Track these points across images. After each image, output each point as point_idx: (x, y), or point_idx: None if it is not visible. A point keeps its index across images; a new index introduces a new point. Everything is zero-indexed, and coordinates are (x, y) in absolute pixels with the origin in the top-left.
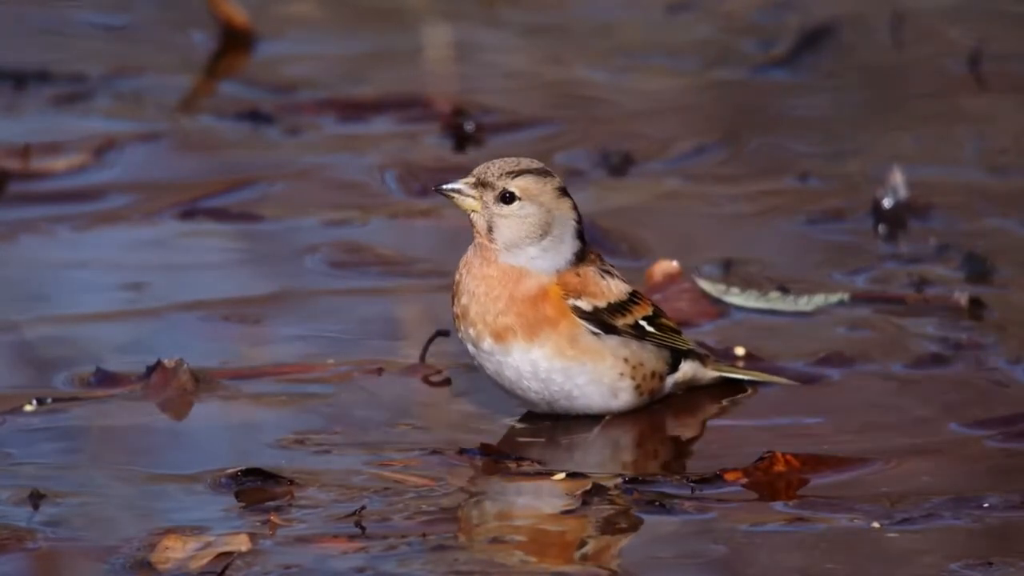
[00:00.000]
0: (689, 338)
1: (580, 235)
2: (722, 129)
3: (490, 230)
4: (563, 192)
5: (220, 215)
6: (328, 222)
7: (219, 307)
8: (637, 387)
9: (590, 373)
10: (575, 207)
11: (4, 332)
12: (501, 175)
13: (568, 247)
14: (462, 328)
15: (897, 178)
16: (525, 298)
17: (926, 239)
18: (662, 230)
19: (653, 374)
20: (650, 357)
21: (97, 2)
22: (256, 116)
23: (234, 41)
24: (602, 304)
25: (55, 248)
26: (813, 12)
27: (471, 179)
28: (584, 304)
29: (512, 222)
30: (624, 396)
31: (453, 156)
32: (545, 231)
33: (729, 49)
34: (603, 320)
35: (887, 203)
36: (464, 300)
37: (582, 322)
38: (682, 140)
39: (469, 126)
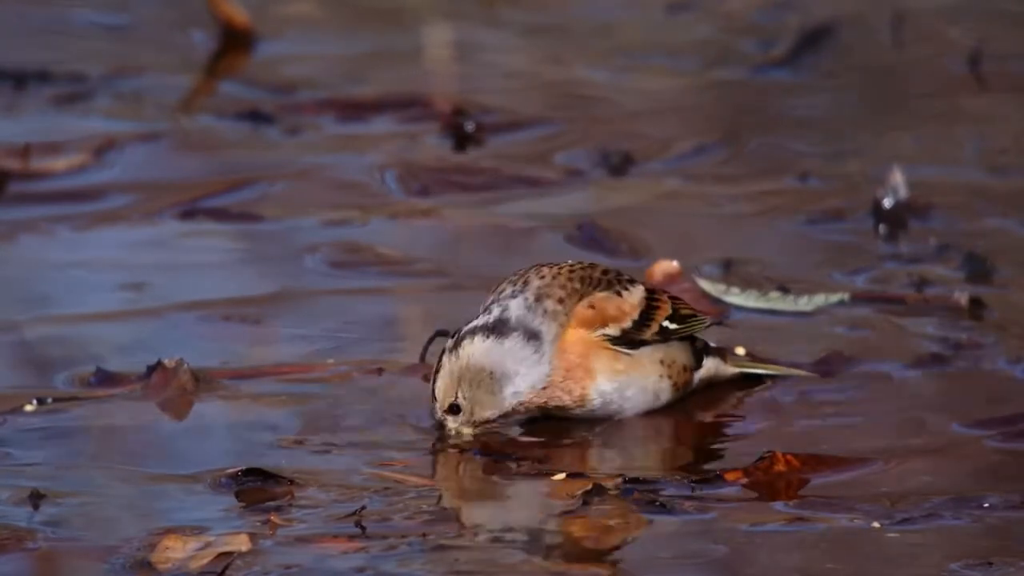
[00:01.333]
0: (705, 315)
1: (527, 332)
2: (722, 129)
3: (486, 421)
4: (465, 342)
5: (220, 215)
6: (328, 222)
7: (219, 307)
8: (674, 384)
9: (637, 384)
10: (470, 337)
11: (4, 332)
12: (440, 411)
13: (531, 350)
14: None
15: (897, 178)
16: (560, 362)
17: (926, 239)
18: (662, 230)
19: (684, 368)
20: (679, 352)
21: (97, 2)
22: (256, 116)
23: (234, 41)
24: (628, 324)
25: (55, 248)
26: (813, 12)
27: (445, 420)
28: (611, 331)
29: (481, 406)
30: (664, 396)
31: (453, 156)
32: (499, 384)
33: (729, 49)
34: (632, 339)
35: (887, 203)
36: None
37: (615, 348)
38: (682, 140)
39: (469, 126)
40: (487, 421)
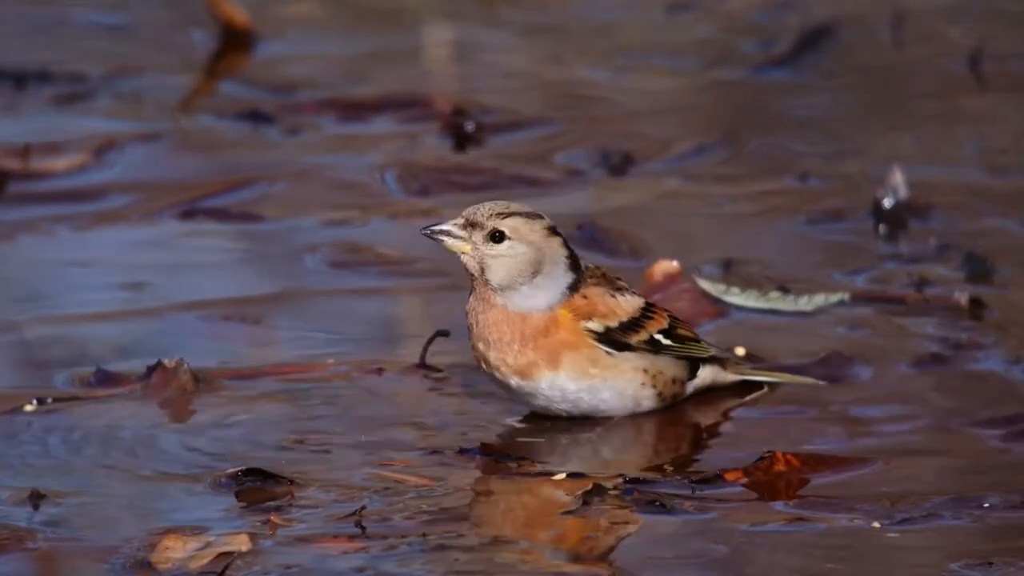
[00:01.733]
0: (709, 344)
1: (574, 266)
2: (722, 129)
3: (482, 271)
4: (552, 231)
5: (220, 215)
6: (328, 222)
7: (219, 307)
8: (659, 394)
9: (612, 388)
10: (565, 243)
11: (4, 332)
12: (491, 216)
13: (561, 282)
14: (485, 370)
15: (897, 178)
16: (537, 332)
17: (926, 239)
18: (662, 230)
19: (674, 380)
20: (669, 365)
21: (97, 2)
22: (256, 116)
23: (234, 41)
24: (613, 324)
25: (55, 248)
26: (813, 12)
27: (460, 220)
28: (595, 325)
29: (503, 262)
30: (647, 403)
31: (453, 156)
32: (536, 269)
33: (729, 49)
34: (616, 339)
35: (887, 203)
36: (480, 347)
37: (596, 343)
38: (682, 140)
39: (469, 126)
40: (483, 269)
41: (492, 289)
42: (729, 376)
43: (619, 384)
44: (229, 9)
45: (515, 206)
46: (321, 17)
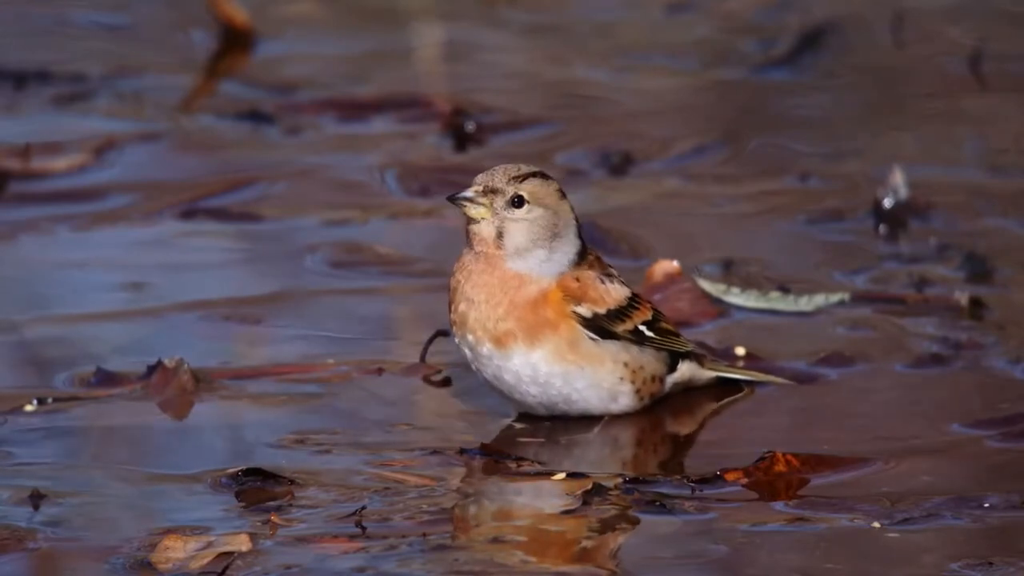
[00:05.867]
0: (688, 339)
1: (580, 234)
2: (722, 129)
3: (499, 235)
4: (563, 194)
5: (220, 215)
6: (328, 222)
7: (219, 307)
8: (637, 391)
9: (589, 378)
10: (573, 208)
11: (4, 332)
12: (509, 180)
13: (572, 248)
14: (459, 334)
15: (897, 178)
16: (526, 303)
17: (926, 239)
18: (662, 230)
19: (653, 378)
20: (650, 361)
21: (97, 2)
22: (256, 116)
23: (234, 41)
24: (602, 311)
25: (55, 248)
26: (813, 12)
27: (479, 187)
28: (584, 310)
29: (523, 226)
30: (624, 400)
31: (453, 156)
32: (555, 233)
33: (729, 49)
34: (602, 327)
35: (887, 203)
36: (462, 307)
37: (581, 328)
38: (682, 140)
39: (469, 126)
40: (499, 235)
41: (506, 255)
42: (707, 373)
43: (596, 375)
44: (229, 9)
45: (526, 167)
46: (321, 17)
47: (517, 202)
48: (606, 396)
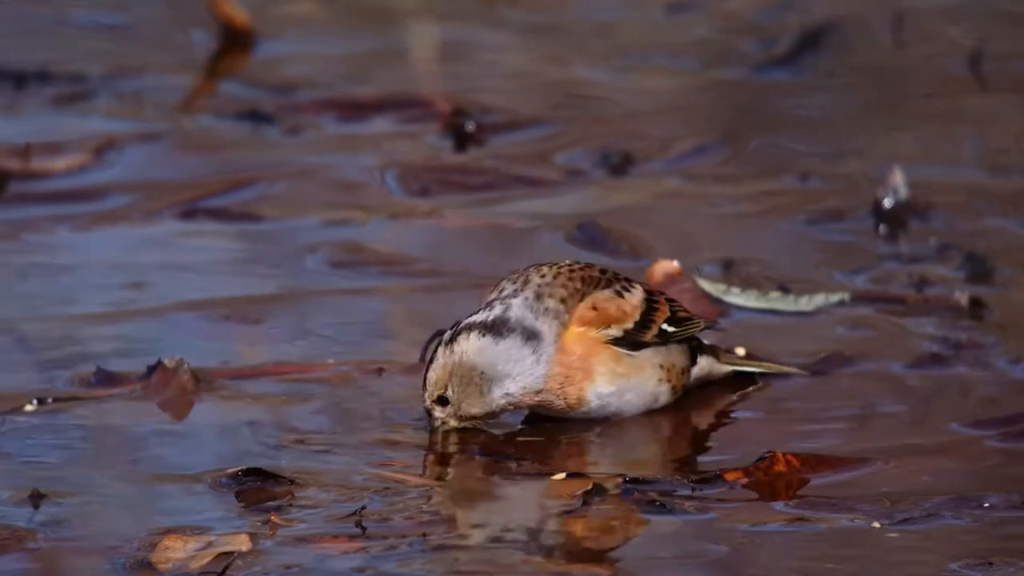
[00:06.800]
0: (700, 319)
1: (524, 332)
2: (722, 129)
3: (472, 417)
4: (461, 338)
5: (220, 215)
6: (328, 222)
7: (219, 307)
8: (672, 387)
9: (636, 388)
10: (482, 331)
11: (4, 332)
12: (428, 400)
13: (528, 350)
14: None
15: (897, 178)
16: (559, 363)
17: (926, 239)
18: (662, 230)
19: (683, 371)
20: (678, 356)
21: (97, 2)
22: (256, 116)
23: (234, 41)
24: (630, 325)
25: (55, 248)
26: (813, 12)
27: (432, 409)
28: (614, 331)
29: (469, 403)
30: (663, 398)
31: (453, 156)
32: (493, 375)
33: (729, 49)
34: (635, 340)
35: (887, 203)
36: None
37: (617, 348)
38: (682, 140)
39: (469, 126)
40: (473, 417)
41: (494, 408)
42: (724, 367)
43: (641, 384)
44: (229, 9)
45: (430, 375)
46: (321, 17)
47: (443, 401)
48: (650, 399)
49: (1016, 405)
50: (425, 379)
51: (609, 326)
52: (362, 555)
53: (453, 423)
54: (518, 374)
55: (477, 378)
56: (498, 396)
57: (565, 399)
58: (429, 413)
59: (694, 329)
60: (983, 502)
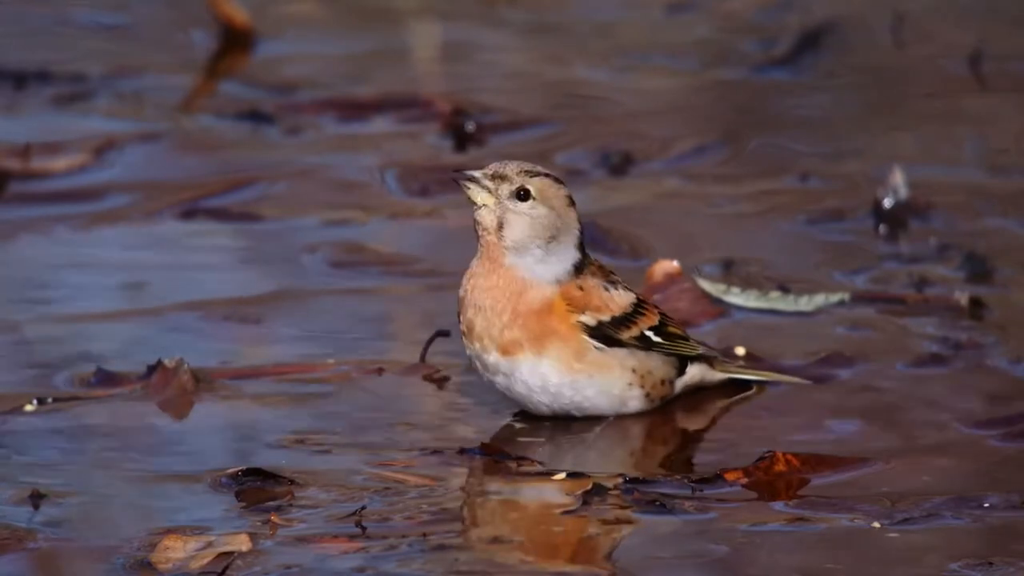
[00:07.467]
0: (697, 342)
1: (581, 246)
2: (722, 129)
3: (500, 226)
4: (572, 202)
5: (220, 215)
6: (328, 222)
7: (219, 307)
8: (647, 395)
9: (598, 385)
10: (580, 219)
11: (4, 332)
12: (520, 172)
13: (570, 257)
14: (467, 343)
15: (897, 178)
16: (530, 311)
17: (926, 239)
18: (662, 230)
19: (663, 381)
20: (659, 365)
21: (97, 2)
22: (256, 116)
23: (234, 41)
24: (606, 318)
25: (55, 248)
26: (813, 12)
27: (488, 171)
28: (588, 319)
29: (523, 220)
30: (634, 404)
31: (453, 156)
32: (553, 235)
33: (729, 49)
34: (607, 335)
35: (887, 203)
36: (470, 314)
37: (587, 338)
38: (682, 140)
39: (469, 126)
40: (500, 228)
41: (505, 247)
42: (717, 375)
43: (606, 382)
44: (229, 9)
45: (541, 167)
46: (321, 17)
47: (523, 195)
48: (617, 402)
49: (1016, 405)
50: (527, 167)
51: (584, 312)
52: (362, 555)
53: (488, 201)
54: (560, 259)
55: (552, 222)
56: (540, 244)
57: (500, 334)
58: (474, 181)
59: (685, 350)
60: (983, 502)
